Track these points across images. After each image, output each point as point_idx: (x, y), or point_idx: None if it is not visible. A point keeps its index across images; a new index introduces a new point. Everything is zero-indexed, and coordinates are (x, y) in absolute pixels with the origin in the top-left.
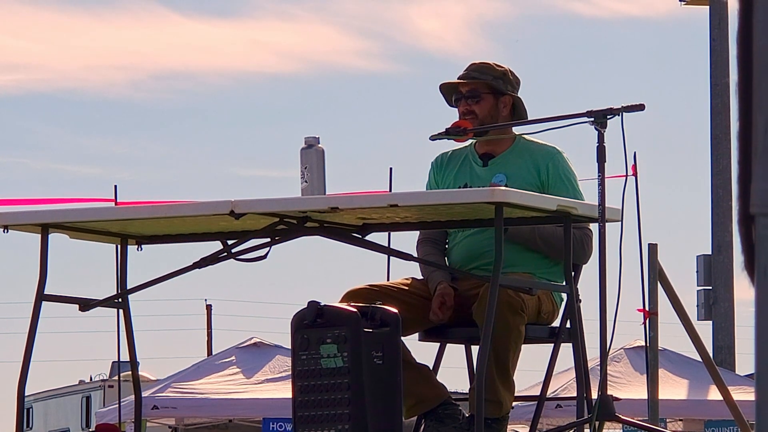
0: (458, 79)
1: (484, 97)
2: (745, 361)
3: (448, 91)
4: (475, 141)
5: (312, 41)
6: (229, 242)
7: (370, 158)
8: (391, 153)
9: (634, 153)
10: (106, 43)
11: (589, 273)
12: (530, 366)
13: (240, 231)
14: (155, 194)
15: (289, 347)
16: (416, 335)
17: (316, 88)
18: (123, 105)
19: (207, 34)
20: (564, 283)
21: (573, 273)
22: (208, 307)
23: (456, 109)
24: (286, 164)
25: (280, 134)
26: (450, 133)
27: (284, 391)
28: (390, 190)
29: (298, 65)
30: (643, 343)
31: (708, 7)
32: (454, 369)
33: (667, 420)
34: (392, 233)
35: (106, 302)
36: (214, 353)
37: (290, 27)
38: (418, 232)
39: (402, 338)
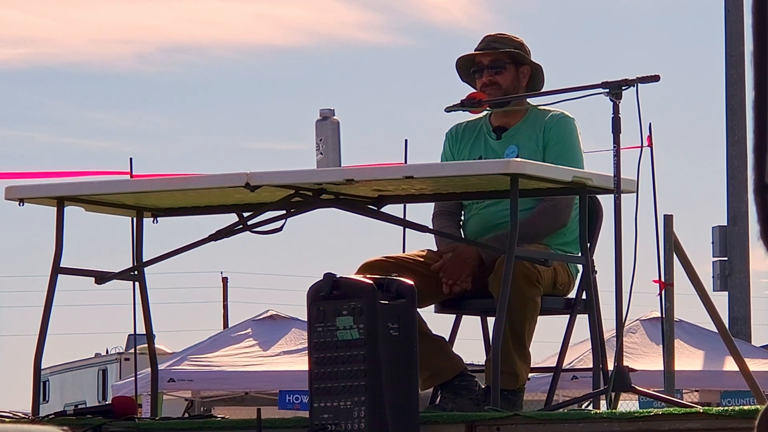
0: (477, 50)
1: (507, 68)
2: (760, 332)
3: (464, 64)
4: (490, 113)
5: (317, 14)
6: (245, 215)
7: (382, 130)
8: (404, 125)
9: (650, 124)
10: (113, 16)
11: (604, 244)
12: (546, 337)
13: (255, 203)
14: (165, 167)
15: (305, 319)
16: (432, 307)
17: (324, 61)
18: (130, 78)
19: (213, 7)
20: (579, 255)
21: (588, 244)
22: (224, 280)
23: (467, 84)
24: (295, 137)
25: (289, 107)
26: (465, 105)
27: (300, 363)
28: (405, 162)
29: (304, 38)
30: (659, 315)
31: None
32: (470, 341)
33: (683, 391)
34: (408, 205)
35: (122, 275)
36: (230, 326)
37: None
38: (433, 205)
39: (418, 310)
